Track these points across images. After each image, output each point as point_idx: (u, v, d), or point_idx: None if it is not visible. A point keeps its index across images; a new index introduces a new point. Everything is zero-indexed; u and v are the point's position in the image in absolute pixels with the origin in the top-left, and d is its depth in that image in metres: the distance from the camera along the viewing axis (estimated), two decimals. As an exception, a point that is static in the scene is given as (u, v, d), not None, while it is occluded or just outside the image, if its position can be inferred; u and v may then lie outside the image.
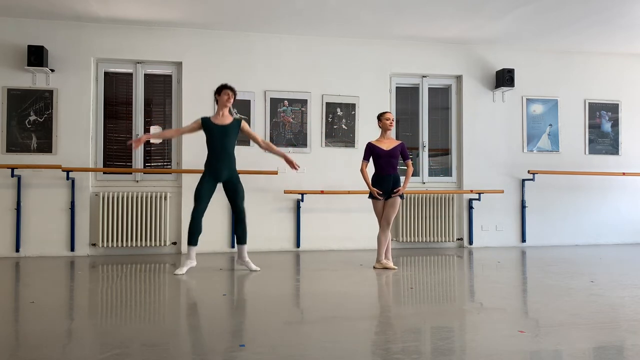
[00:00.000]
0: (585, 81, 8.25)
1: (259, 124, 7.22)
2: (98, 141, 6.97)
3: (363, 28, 7.14)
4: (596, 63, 8.29)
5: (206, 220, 5.36)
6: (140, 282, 4.83)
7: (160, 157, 7.27)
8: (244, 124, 5.38)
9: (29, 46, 6.53)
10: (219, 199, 6.87)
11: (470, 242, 7.73)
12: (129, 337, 2.92)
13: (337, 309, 3.66)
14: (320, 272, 5.38)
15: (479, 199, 7.66)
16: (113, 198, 6.77)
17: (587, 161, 8.17)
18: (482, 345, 2.76)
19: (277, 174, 7.10)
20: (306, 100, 7.39)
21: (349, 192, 7.18)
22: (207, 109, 6.87)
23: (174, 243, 7.00)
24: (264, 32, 7.29)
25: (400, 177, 5.59)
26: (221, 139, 5.20)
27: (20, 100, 6.69)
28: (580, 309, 3.60)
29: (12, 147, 6.66)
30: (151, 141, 7.14)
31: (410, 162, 5.62)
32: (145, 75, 7.19)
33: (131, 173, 7.04)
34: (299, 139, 7.33)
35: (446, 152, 8.02)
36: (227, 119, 5.29)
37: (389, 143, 5.63)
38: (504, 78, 7.68)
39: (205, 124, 5.25)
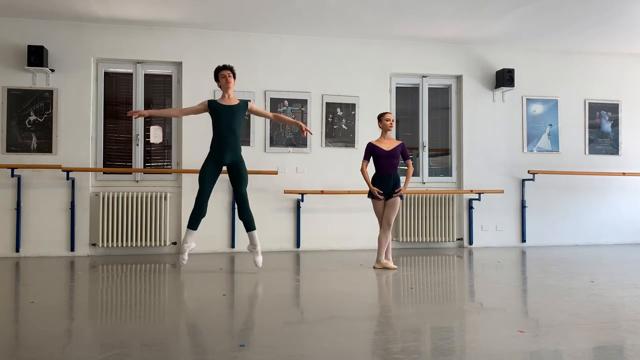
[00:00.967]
0: (585, 81, 8.24)
1: (259, 124, 7.23)
2: (98, 141, 6.97)
3: (363, 28, 7.14)
4: (596, 63, 8.29)
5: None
6: (140, 282, 4.84)
7: (160, 157, 7.26)
8: (251, 104, 5.38)
9: (29, 46, 6.53)
10: (219, 199, 6.92)
11: (470, 242, 7.73)
12: (129, 337, 2.92)
13: (337, 309, 3.66)
14: (320, 272, 5.38)
15: (479, 199, 7.66)
16: (113, 198, 6.77)
17: (587, 161, 8.17)
18: (482, 345, 2.76)
19: (277, 174, 7.10)
20: (306, 100, 7.39)
21: (349, 192, 7.18)
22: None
23: (174, 243, 6.99)
24: (264, 32, 7.29)
25: (401, 177, 5.60)
26: (228, 120, 5.14)
27: (20, 100, 6.69)
28: (580, 309, 3.60)
29: (12, 147, 6.66)
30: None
31: (410, 162, 5.63)
32: (145, 75, 7.19)
33: (131, 173, 7.04)
34: (299, 139, 7.33)
35: (446, 152, 8.02)
36: (233, 100, 5.27)
37: (390, 143, 5.64)
38: (504, 78, 7.68)
39: (212, 106, 5.20)
